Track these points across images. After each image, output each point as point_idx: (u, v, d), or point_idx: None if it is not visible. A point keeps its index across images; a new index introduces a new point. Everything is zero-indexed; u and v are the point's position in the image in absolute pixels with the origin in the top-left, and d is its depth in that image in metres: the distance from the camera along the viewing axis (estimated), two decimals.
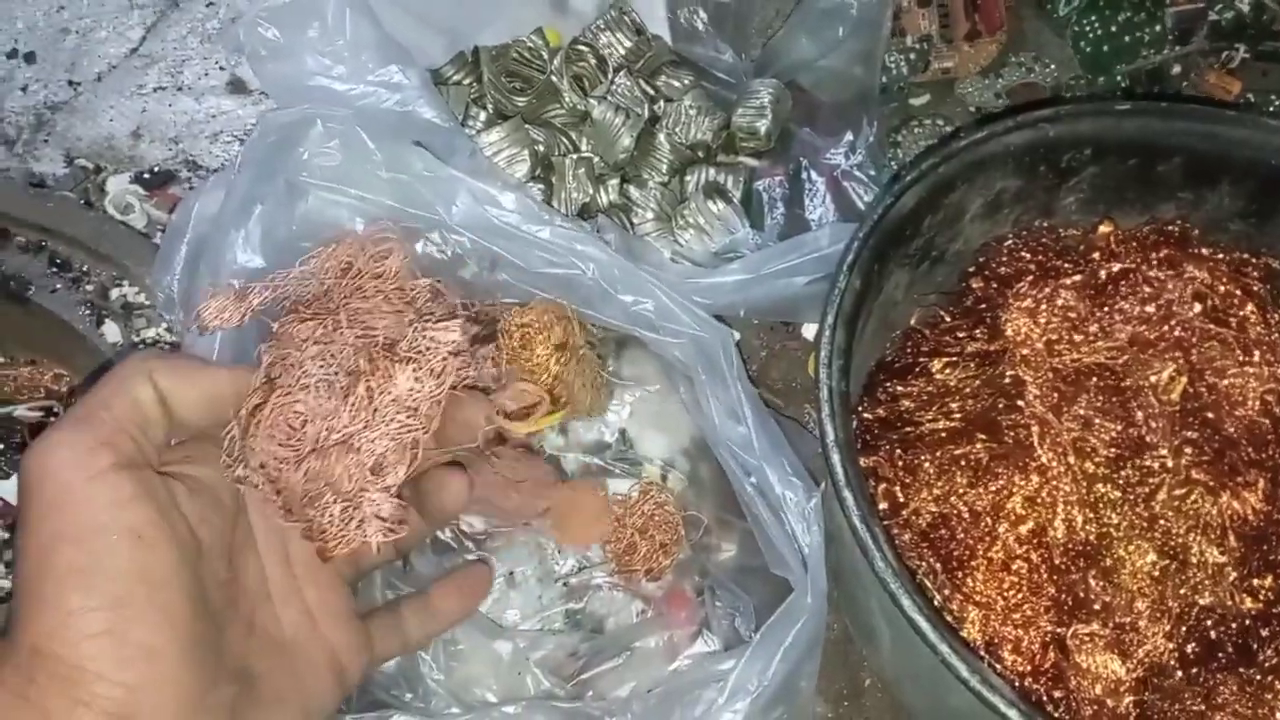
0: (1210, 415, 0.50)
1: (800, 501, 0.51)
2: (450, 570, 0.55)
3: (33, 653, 0.34)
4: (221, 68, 0.68)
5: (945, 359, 0.53)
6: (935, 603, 0.48)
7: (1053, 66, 0.70)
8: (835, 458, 0.44)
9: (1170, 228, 0.55)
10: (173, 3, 0.69)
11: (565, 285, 0.53)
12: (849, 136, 0.64)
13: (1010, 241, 0.56)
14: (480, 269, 0.55)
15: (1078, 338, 0.51)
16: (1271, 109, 0.67)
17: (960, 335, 0.54)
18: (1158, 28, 0.68)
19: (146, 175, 0.65)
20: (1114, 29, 0.68)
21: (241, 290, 0.46)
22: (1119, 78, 0.68)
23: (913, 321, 0.58)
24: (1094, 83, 0.69)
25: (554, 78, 0.64)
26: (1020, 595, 0.49)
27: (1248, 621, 0.48)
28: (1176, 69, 0.69)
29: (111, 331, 0.60)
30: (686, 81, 0.65)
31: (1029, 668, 0.49)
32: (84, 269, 0.62)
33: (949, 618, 0.48)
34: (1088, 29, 0.68)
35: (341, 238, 0.49)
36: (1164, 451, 0.49)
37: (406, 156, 0.53)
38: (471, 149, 0.57)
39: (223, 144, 0.66)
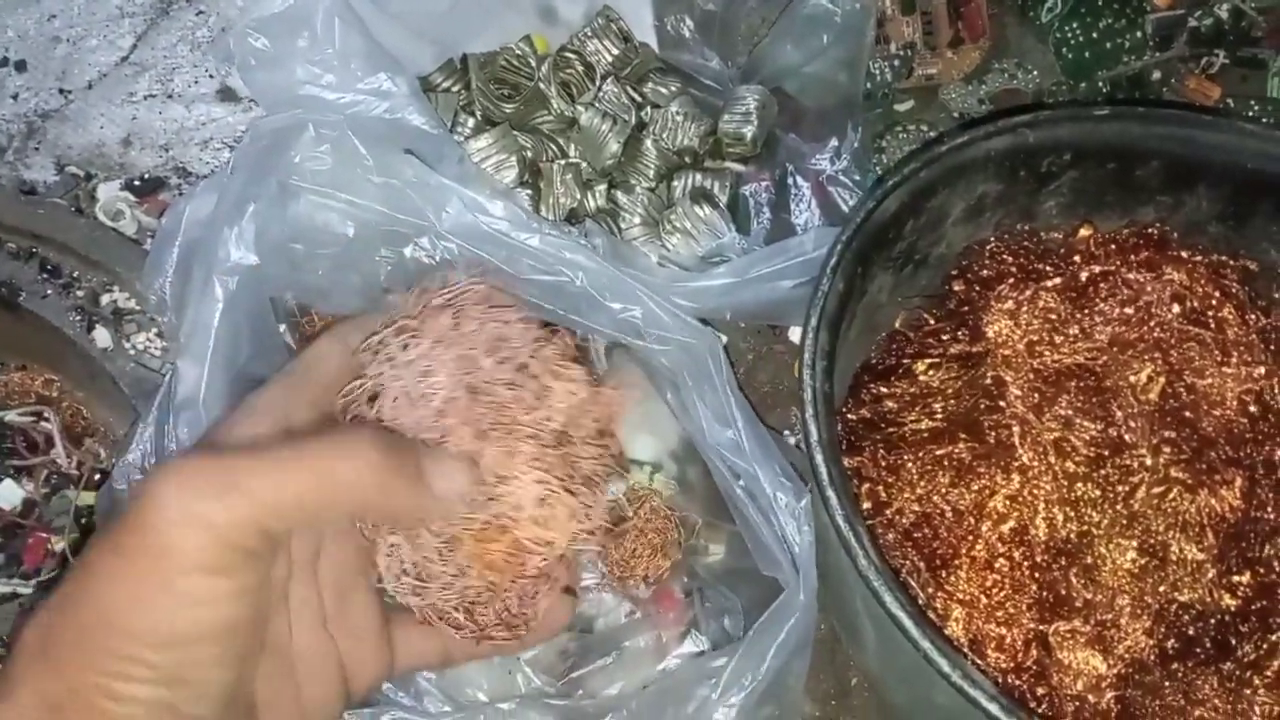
0: (1189, 415, 0.51)
1: (791, 502, 0.52)
2: None
3: (71, 693, 0.33)
4: (211, 75, 0.68)
5: (928, 360, 0.54)
6: (919, 601, 0.49)
7: (1035, 73, 0.71)
8: (819, 457, 0.45)
9: (1149, 231, 0.56)
10: (163, 11, 0.70)
11: (553, 292, 0.54)
12: (834, 142, 0.65)
13: (992, 245, 0.57)
14: (468, 275, 0.55)
15: (1058, 339, 0.52)
16: (1251, 114, 0.68)
17: (943, 337, 0.55)
18: (1138, 34, 0.68)
19: (137, 182, 0.65)
20: (1095, 35, 0.69)
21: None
22: (1100, 83, 0.69)
23: (897, 324, 0.59)
24: (1076, 88, 0.70)
25: (542, 85, 0.65)
26: (1003, 593, 0.49)
27: (1226, 618, 0.48)
28: (1157, 75, 0.69)
29: (102, 337, 0.61)
30: (673, 88, 0.66)
31: (1012, 665, 0.49)
32: (75, 275, 0.62)
33: (933, 616, 0.49)
34: (1069, 36, 0.69)
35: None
36: (1143, 451, 0.49)
37: (397, 163, 0.53)
38: (460, 155, 0.58)
39: (213, 151, 0.67)
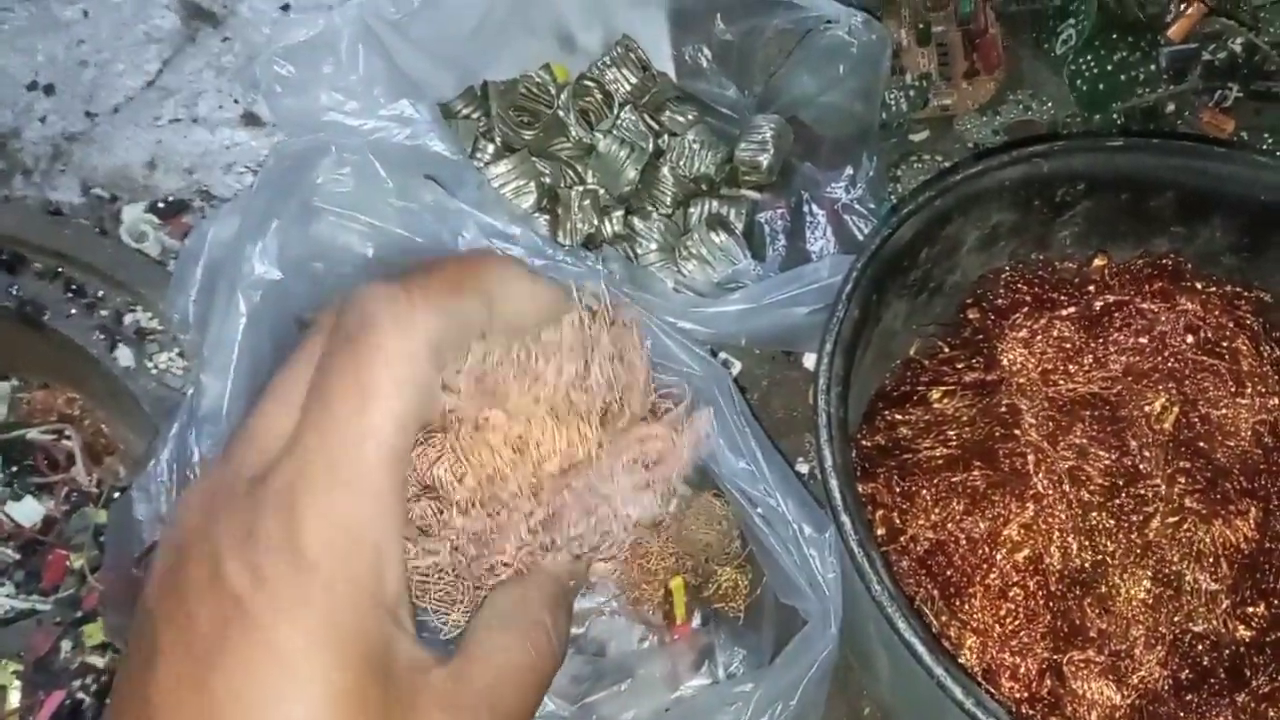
0: (1203, 445, 0.51)
1: (814, 534, 0.52)
2: None
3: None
4: (236, 101, 0.69)
5: (943, 388, 0.54)
6: (933, 629, 0.49)
7: (1050, 104, 0.71)
8: (833, 483, 0.45)
9: (1163, 261, 0.56)
10: (189, 37, 0.71)
11: None
12: (849, 171, 0.65)
13: (1006, 274, 0.57)
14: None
15: (1073, 368, 0.52)
16: (1265, 147, 0.68)
17: (958, 365, 0.55)
18: (1153, 67, 0.69)
19: (161, 204, 0.66)
20: (1110, 68, 0.69)
21: None
22: (1115, 115, 0.70)
23: (912, 352, 0.59)
24: (1090, 120, 0.70)
25: (561, 112, 0.66)
26: (1017, 622, 0.49)
27: (1240, 649, 0.48)
28: (1171, 107, 0.70)
29: (124, 356, 0.62)
30: (690, 116, 0.67)
31: (1026, 695, 0.49)
32: (99, 295, 0.63)
33: (946, 644, 0.49)
34: (1084, 68, 0.70)
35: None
36: (1157, 480, 0.49)
37: (416, 187, 0.54)
38: (479, 181, 0.58)
39: (236, 175, 0.68)
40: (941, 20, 0.70)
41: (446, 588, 0.35)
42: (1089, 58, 0.70)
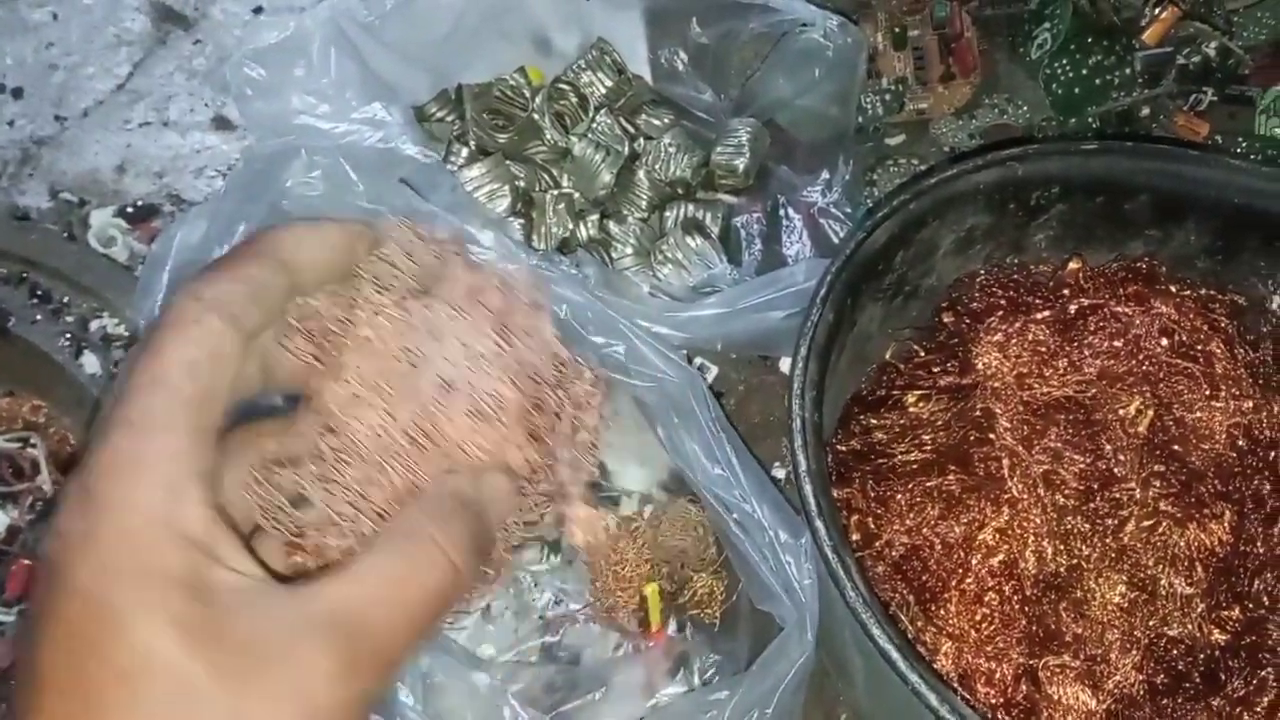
0: (1177, 448, 0.50)
1: (790, 540, 0.51)
2: None
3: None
4: (207, 104, 0.69)
5: (918, 392, 0.54)
6: (908, 635, 0.49)
7: (1025, 108, 0.71)
8: (808, 488, 0.45)
9: (1138, 264, 0.56)
10: (160, 40, 0.70)
11: None
12: (825, 175, 0.65)
13: (982, 277, 0.57)
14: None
15: (1048, 372, 0.52)
16: (1238, 150, 0.68)
17: (933, 369, 0.55)
18: (1127, 71, 0.69)
19: (130, 209, 0.66)
20: (1085, 72, 0.69)
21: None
22: (1090, 119, 0.70)
23: (887, 355, 0.59)
24: (1065, 124, 0.70)
25: (536, 115, 0.65)
26: (992, 627, 0.49)
27: (1215, 653, 0.48)
28: (1146, 111, 0.70)
29: (90, 363, 0.61)
30: (666, 120, 0.66)
31: (1001, 700, 0.49)
32: (65, 301, 0.62)
33: (922, 650, 0.49)
34: (1059, 72, 0.70)
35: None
36: (1132, 484, 0.49)
37: (387, 190, 0.53)
38: (452, 184, 0.58)
39: (207, 179, 0.67)
40: (917, 24, 0.71)
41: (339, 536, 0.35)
42: (1064, 61, 0.70)
